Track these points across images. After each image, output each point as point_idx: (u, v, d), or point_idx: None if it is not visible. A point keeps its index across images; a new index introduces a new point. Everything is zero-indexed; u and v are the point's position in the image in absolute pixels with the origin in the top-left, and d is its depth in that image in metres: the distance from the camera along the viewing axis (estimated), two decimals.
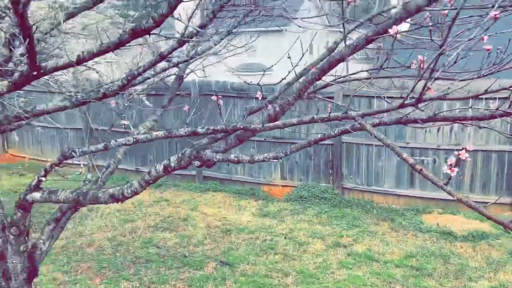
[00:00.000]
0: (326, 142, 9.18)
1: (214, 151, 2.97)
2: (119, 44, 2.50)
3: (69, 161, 3.37)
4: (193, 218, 8.54)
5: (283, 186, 10.03)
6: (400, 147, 8.80)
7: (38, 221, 7.59)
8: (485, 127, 2.89)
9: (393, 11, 2.71)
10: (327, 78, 3.08)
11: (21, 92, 5.10)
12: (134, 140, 3.13)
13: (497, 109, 2.11)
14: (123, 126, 3.19)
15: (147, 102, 6.84)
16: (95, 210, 8.71)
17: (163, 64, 4.08)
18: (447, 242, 7.45)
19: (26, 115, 3.48)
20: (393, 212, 8.66)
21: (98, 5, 4.57)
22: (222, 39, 3.99)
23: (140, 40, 2.97)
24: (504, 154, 8.38)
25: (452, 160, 1.86)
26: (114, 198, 3.24)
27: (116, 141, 3.19)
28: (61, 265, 6.63)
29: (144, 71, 3.41)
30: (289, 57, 2.68)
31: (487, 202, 5.35)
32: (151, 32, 2.47)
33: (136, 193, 3.23)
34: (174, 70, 5.18)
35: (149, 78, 4.24)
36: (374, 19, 3.77)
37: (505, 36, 2.41)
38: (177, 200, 9.57)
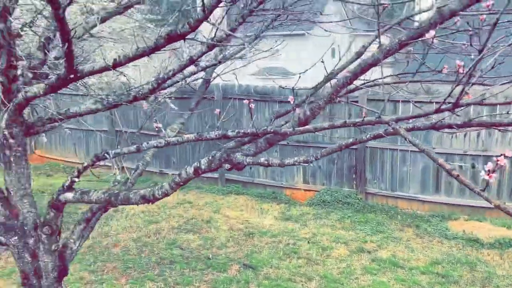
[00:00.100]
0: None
1: (244, 154, 2.99)
2: (154, 49, 2.54)
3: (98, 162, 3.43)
4: (216, 221, 8.58)
5: (305, 190, 10.00)
6: None
7: (65, 221, 7.72)
8: None
9: (427, 15, 2.69)
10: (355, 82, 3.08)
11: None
12: (166, 142, 3.18)
13: None
14: (156, 129, 3.24)
15: (172, 105, 6.93)
16: (120, 210, 8.83)
17: (191, 67, 4.14)
18: (473, 249, 7.32)
19: (60, 117, 3.56)
20: (418, 218, 8.55)
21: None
22: (251, 43, 4.02)
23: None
24: None
25: (490, 166, 1.84)
26: (145, 199, 3.29)
27: (148, 143, 3.24)
28: (88, 264, 6.75)
29: (174, 74, 3.45)
30: (322, 61, 2.69)
31: None
32: (186, 37, 2.51)
33: (166, 194, 3.27)
34: (201, 73, 5.24)
35: (178, 81, 4.30)
36: (402, 23, 3.76)
37: None
38: (200, 202, 9.64)
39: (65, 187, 3.58)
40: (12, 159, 3.66)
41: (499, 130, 2.96)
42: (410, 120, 2.50)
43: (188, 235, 7.94)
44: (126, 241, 7.60)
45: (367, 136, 2.48)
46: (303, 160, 2.67)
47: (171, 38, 2.49)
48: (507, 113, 2.25)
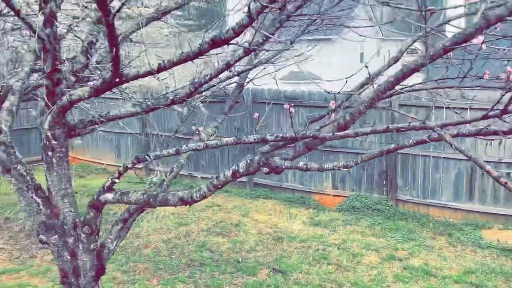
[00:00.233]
0: None
1: (283, 158, 3.00)
2: (198, 54, 2.59)
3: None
4: (245, 224, 8.61)
5: (334, 195, 9.93)
6: (458, 159, 8.44)
7: None
8: None
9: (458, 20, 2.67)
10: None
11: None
12: (205, 145, 3.22)
13: None
14: (196, 132, 3.30)
15: (203, 109, 7.01)
16: (150, 212, 8.96)
17: (226, 72, 4.19)
18: (508, 259, 7.13)
19: (102, 119, 3.66)
20: (450, 226, 8.38)
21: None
22: (288, 48, 4.04)
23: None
24: None
25: None
26: (183, 201, 3.34)
27: (187, 146, 3.29)
28: (120, 264, 6.87)
29: (211, 79, 3.50)
30: (366, 67, 2.68)
31: None
32: (230, 42, 2.54)
33: (204, 196, 3.31)
34: (235, 78, 5.29)
35: (214, 85, 4.35)
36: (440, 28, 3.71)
37: None
38: (228, 205, 9.70)
39: (105, 188, 3.66)
40: (54, 160, 3.76)
41: None
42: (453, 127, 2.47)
43: (218, 238, 7.99)
44: (156, 243, 7.70)
45: (410, 142, 2.46)
46: (343, 165, 2.66)
47: (215, 43, 2.53)
48: None
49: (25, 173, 3.84)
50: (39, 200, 3.83)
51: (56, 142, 3.71)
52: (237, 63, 3.68)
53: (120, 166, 3.54)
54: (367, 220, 8.69)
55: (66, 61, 3.69)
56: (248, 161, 3.18)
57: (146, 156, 3.24)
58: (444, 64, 4.07)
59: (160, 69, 2.71)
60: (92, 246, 3.91)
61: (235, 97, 5.75)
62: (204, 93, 4.65)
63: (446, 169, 8.82)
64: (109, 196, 3.63)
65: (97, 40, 3.87)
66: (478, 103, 5.81)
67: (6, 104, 4.19)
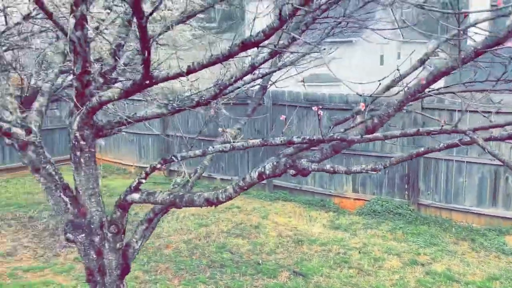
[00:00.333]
0: None
1: (310, 161, 3.01)
2: (228, 56, 2.62)
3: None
4: (264, 226, 8.62)
5: (354, 199, 9.87)
6: (481, 164, 8.30)
7: None
8: None
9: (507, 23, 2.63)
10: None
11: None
12: (231, 147, 3.24)
13: None
14: (222, 133, 3.32)
15: (224, 111, 7.04)
16: (171, 213, 9.03)
17: (250, 74, 4.20)
18: None
19: (129, 120, 3.71)
20: (473, 232, 8.25)
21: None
22: (318, 51, 4.04)
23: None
24: None
25: None
26: (209, 202, 3.37)
27: (213, 147, 3.32)
28: (142, 264, 6.94)
29: (236, 81, 3.52)
30: (398, 70, 2.67)
31: None
32: (260, 45, 2.56)
33: (230, 198, 3.33)
34: (259, 80, 5.31)
35: (238, 87, 4.38)
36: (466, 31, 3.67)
37: None
38: (248, 207, 9.71)
39: (132, 188, 3.71)
40: (82, 160, 3.83)
41: None
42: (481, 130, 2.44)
43: (238, 239, 8.01)
44: (177, 243, 7.76)
45: (440, 145, 2.44)
46: (371, 168, 2.65)
47: (245, 45, 2.56)
48: None
49: (53, 173, 3.92)
50: (67, 199, 3.91)
51: (84, 143, 3.78)
52: (262, 65, 3.71)
53: (144, 167, 3.60)
54: (388, 224, 8.61)
55: (94, 63, 3.76)
56: (275, 163, 3.19)
57: (173, 157, 3.28)
58: (471, 67, 4.02)
59: (190, 71, 2.74)
60: (118, 245, 3.97)
61: (258, 99, 5.76)
62: (228, 95, 4.68)
63: (469, 173, 8.69)
64: (136, 196, 3.68)
65: (125, 43, 3.93)
66: (506, 107, 5.73)
67: (36, 105, 4.29)
